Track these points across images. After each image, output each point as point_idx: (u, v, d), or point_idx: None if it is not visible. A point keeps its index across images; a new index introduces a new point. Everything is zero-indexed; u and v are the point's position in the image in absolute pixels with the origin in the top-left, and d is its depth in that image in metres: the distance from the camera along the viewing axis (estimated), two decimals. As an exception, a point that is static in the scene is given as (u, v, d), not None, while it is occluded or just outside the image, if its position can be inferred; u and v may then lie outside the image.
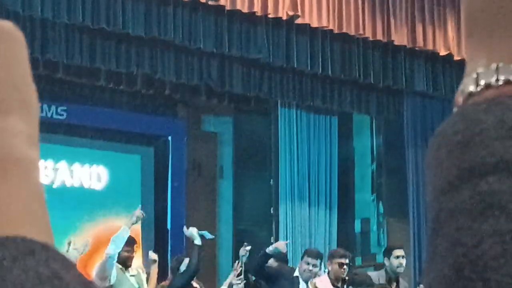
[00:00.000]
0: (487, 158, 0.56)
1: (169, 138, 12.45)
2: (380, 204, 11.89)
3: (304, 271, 8.28)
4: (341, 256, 8.51)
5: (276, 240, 11.05)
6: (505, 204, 0.54)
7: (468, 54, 0.62)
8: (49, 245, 0.51)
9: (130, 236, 8.49)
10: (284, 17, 9.79)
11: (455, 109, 0.62)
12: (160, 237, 12.37)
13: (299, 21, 9.90)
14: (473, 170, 0.56)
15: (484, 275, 0.53)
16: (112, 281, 8.10)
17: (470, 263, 0.53)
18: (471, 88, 0.60)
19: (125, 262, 8.26)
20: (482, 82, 0.59)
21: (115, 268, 8.21)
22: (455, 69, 10.94)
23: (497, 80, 0.59)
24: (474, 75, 0.60)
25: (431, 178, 0.60)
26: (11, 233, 0.50)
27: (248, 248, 8.75)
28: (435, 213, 0.57)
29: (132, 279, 8.42)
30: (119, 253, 8.09)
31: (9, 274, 0.48)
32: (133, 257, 8.52)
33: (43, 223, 0.53)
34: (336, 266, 8.30)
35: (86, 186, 12.35)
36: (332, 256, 8.68)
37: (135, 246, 8.64)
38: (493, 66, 0.60)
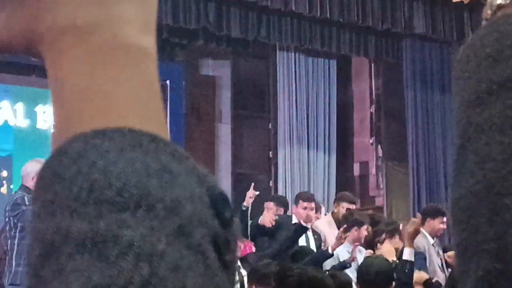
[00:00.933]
0: None
1: (167, 82, 12.21)
2: (379, 147, 11.90)
3: (302, 216, 8.16)
4: (350, 202, 8.52)
5: (275, 184, 11.23)
6: None
7: None
8: (159, 136, 0.48)
9: None
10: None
11: (483, 23, 0.60)
12: None
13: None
14: (504, 84, 0.55)
15: None
16: None
17: (501, 178, 0.52)
18: (500, 0, 0.59)
19: None
20: None
21: None
22: (453, 11, 10.95)
23: None
24: None
25: (459, 92, 0.59)
26: (117, 124, 0.47)
27: (257, 192, 8.66)
28: (463, 128, 0.57)
29: None
30: None
31: (113, 167, 0.45)
32: None
33: (153, 114, 0.50)
34: (343, 210, 8.28)
35: None
36: (341, 199, 8.66)
37: None
38: None
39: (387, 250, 7.41)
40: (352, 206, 8.54)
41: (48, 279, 0.44)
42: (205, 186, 0.48)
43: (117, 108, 0.49)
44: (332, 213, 8.81)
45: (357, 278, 5.67)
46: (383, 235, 7.73)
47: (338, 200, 8.81)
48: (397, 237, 7.68)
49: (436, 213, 8.07)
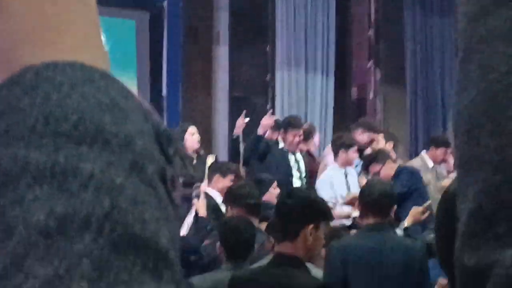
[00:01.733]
0: None
1: (164, 3, 12.18)
2: (377, 71, 11.91)
3: (291, 144, 8.30)
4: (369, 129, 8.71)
5: (272, 107, 11.17)
6: None
7: None
8: (108, 72, 0.49)
9: None
10: None
11: None
12: (155, 103, 12.04)
13: None
14: None
15: None
16: None
17: (504, 88, 0.53)
18: None
19: None
20: None
21: None
22: None
23: None
24: None
25: (464, 3, 0.58)
26: (68, 57, 0.48)
27: (247, 120, 8.68)
28: (466, 40, 0.57)
29: None
30: None
31: (68, 100, 0.46)
32: None
33: (101, 51, 0.52)
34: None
35: None
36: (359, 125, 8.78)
37: None
38: None
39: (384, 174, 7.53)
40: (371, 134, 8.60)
41: (7, 208, 0.44)
42: (150, 122, 0.49)
43: (68, 40, 0.49)
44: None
45: (359, 199, 5.58)
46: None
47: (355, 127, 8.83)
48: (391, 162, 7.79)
49: (441, 143, 8.30)
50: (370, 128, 8.71)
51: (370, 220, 5.15)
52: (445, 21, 11.28)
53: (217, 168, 7.27)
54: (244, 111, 8.57)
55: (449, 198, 1.54)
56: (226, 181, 6.85)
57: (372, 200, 5.14)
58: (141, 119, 0.48)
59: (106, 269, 0.44)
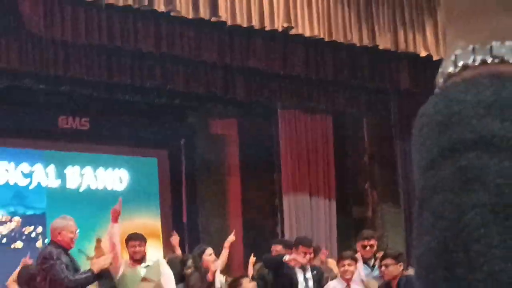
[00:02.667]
0: (467, 135, 0.55)
1: (181, 141, 12.67)
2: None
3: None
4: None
5: (282, 228, 11.44)
6: (484, 178, 0.53)
7: (448, 41, 0.62)
8: None
9: (137, 233, 8.34)
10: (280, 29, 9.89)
11: (436, 90, 0.60)
12: (178, 229, 12.14)
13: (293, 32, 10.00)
14: (453, 147, 0.55)
15: (467, 246, 0.52)
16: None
17: (453, 236, 0.53)
18: (450, 69, 0.59)
19: (132, 257, 8.05)
20: (460, 63, 0.59)
21: (123, 264, 8.03)
22: (435, 68, 11.02)
23: (474, 60, 0.58)
24: (453, 57, 0.59)
25: (416, 157, 0.60)
26: None
27: (253, 259, 8.96)
28: (420, 190, 0.57)
29: (143, 271, 8.05)
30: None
31: None
32: (140, 251, 8.10)
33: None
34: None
35: (109, 188, 12.55)
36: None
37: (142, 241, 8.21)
38: (470, 47, 0.58)
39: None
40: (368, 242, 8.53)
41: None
42: None
43: None
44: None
45: None
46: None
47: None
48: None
49: None
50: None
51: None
52: None
53: None
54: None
55: None
56: None
57: None
58: None
59: None
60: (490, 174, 0.52)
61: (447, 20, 0.63)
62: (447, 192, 0.55)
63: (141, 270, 7.87)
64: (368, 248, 8.36)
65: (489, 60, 0.58)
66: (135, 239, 7.94)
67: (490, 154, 0.53)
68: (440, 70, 0.64)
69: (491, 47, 0.58)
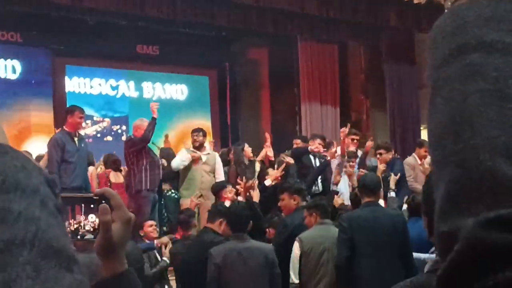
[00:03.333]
0: (471, 40, 0.56)
1: (226, 64, 13.34)
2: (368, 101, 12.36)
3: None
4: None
5: (300, 128, 11.44)
6: (483, 72, 0.54)
7: None
8: (13, 147, 0.57)
9: (199, 127, 8.56)
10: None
11: (446, 11, 0.62)
12: (223, 130, 13.12)
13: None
14: (460, 50, 0.57)
15: (470, 119, 0.54)
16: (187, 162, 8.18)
17: (460, 112, 0.55)
18: None
19: (193, 144, 8.30)
20: None
21: (184, 150, 8.34)
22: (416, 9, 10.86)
23: None
24: None
25: (431, 58, 0.61)
26: None
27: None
28: (433, 82, 0.59)
29: (205, 157, 8.27)
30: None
31: None
32: (199, 139, 8.21)
33: (4, 135, 0.63)
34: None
35: (174, 98, 13.10)
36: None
37: (200, 132, 8.33)
38: None
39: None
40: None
41: None
42: (42, 175, 0.56)
43: None
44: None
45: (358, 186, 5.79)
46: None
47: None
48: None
49: (422, 145, 8.62)
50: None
51: (366, 199, 5.25)
52: (412, 69, 11.66)
53: None
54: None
55: (430, 180, 1.63)
56: None
57: (367, 186, 5.32)
58: (39, 174, 0.55)
59: (40, 271, 0.49)
60: (488, 69, 0.54)
61: None
62: (455, 82, 0.56)
63: (203, 156, 8.28)
64: (355, 141, 8.78)
65: None
66: (197, 130, 8.47)
67: (488, 54, 0.55)
68: None
69: None
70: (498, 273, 0.49)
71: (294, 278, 5.24)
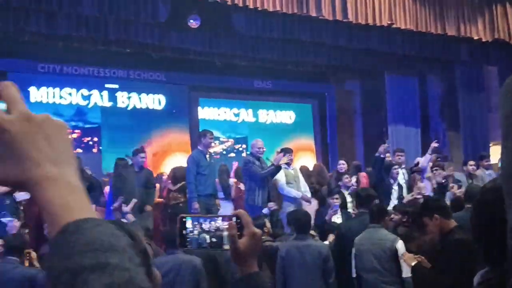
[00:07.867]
0: None
1: (326, 94, 14.14)
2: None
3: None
4: None
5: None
6: None
7: None
8: (102, 219, 0.66)
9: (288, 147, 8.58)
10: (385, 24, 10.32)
11: None
12: (323, 146, 13.75)
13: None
14: None
15: None
16: None
17: None
18: None
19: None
20: None
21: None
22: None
23: None
24: None
25: (501, 108, 0.64)
26: (86, 216, 0.66)
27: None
28: (504, 130, 0.62)
29: (291, 172, 8.31)
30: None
31: (96, 234, 0.63)
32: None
33: (92, 210, 0.69)
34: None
35: (283, 122, 13.63)
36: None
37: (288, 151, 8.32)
38: None
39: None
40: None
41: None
42: (125, 232, 0.66)
43: (84, 210, 0.67)
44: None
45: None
46: None
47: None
48: None
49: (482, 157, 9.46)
50: None
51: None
52: (481, 96, 12.45)
53: None
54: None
55: (488, 192, 1.56)
56: None
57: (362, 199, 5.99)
58: (123, 234, 0.64)
59: None
60: None
61: None
62: None
63: (291, 171, 8.40)
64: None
65: None
66: (286, 150, 8.51)
67: None
68: None
69: None
70: None
71: None
